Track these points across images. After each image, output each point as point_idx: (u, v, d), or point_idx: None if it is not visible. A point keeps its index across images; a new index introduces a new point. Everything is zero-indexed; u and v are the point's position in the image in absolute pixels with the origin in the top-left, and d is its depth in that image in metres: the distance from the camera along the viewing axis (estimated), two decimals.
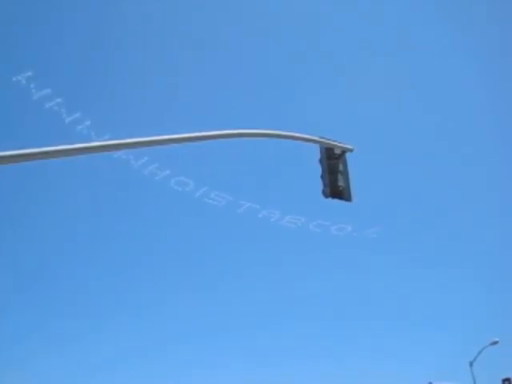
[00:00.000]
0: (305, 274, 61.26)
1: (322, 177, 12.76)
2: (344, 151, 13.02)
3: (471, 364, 33.96)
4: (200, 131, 11.30)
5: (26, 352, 50.09)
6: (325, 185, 12.62)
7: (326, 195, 12.58)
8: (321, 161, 12.93)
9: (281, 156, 58.28)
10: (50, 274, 60.06)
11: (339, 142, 13.07)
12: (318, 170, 12.89)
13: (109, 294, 59.63)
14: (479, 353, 33.69)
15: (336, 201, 12.72)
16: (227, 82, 67.58)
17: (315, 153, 13.04)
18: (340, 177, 12.71)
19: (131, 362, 52.85)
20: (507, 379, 35.58)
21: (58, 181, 59.70)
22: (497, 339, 33.80)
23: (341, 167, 12.85)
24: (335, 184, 12.57)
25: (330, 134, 13.13)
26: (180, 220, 63.10)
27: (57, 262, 61.49)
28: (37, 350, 50.97)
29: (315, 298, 60.02)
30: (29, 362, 48.78)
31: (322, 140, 12.95)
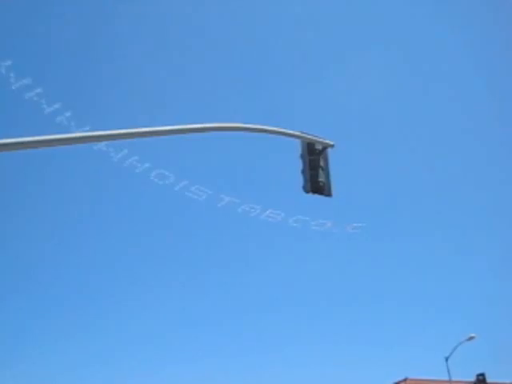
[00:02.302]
0: (287, 267, 61.51)
1: (303, 172, 12.80)
2: (325, 147, 13.07)
3: (447, 359, 34.39)
4: (181, 124, 11.26)
5: (22, 351, 49.75)
6: (305, 180, 12.66)
7: (306, 190, 12.62)
8: (302, 156, 12.97)
9: (262, 150, 58.38)
10: (39, 272, 59.57)
11: (320, 138, 13.11)
12: (299, 165, 12.93)
13: (98, 289, 59.35)
14: (455, 348, 34.14)
15: (318, 196, 12.78)
16: (209, 77, 67.38)
17: (296, 148, 13.08)
18: (321, 172, 12.76)
19: (128, 357, 52.85)
20: (481, 374, 36.13)
21: (35, 173, 59.09)
22: (473, 335, 34.25)
23: (322, 163, 12.89)
24: (316, 179, 12.61)
25: (314, 129, 13.17)
26: (160, 213, 62.90)
27: (45, 260, 61.01)
28: (34, 348, 50.66)
29: (298, 290, 60.37)
30: (25, 361, 48.45)
31: (304, 135, 12.98)
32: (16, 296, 55.99)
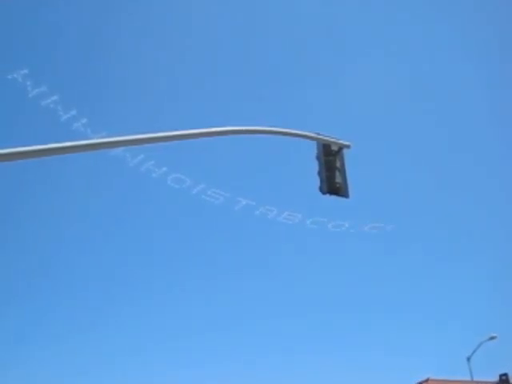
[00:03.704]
0: (303, 269, 61.32)
1: (319, 173, 12.75)
2: (341, 148, 13.00)
3: (469, 359, 34.04)
4: (197, 128, 11.27)
5: (24, 352, 50.17)
6: (322, 181, 12.61)
7: (323, 192, 12.57)
8: (318, 157, 12.92)
9: (278, 153, 58.27)
10: (48, 273, 60.06)
11: (336, 139, 13.06)
12: (316, 166, 12.88)
13: (105, 292, 59.66)
14: (477, 348, 33.79)
15: (334, 197, 12.73)
16: (224, 80, 67.47)
17: (312, 149, 13.04)
18: (337, 173, 12.70)
19: (128, 358, 52.98)
20: (504, 374, 35.67)
21: (53, 179, 59.65)
22: (494, 334, 33.89)
23: (338, 164, 12.83)
24: (332, 180, 12.55)
25: (329, 130, 13.13)
26: (177, 217, 63.06)
27: (54, 262, 61.50)
28: (35, 348, 51.07)
29: (314, 293, 60.14)
30: (26, 362, 48.85)
31: (319, 136, 12.93)
32: (19, 297, 56.48)
